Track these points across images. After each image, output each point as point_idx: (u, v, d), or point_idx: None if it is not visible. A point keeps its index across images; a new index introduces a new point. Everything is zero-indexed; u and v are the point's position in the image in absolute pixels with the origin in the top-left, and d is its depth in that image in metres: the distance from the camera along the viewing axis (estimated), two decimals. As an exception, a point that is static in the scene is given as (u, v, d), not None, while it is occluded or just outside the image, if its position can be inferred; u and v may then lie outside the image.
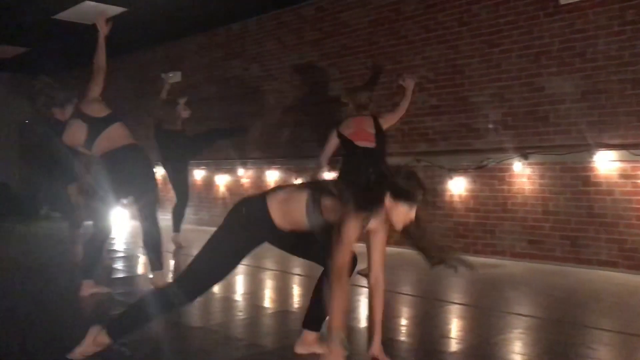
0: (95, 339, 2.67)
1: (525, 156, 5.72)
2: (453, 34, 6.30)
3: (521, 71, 5.82)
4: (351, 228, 2.47)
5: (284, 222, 2.64)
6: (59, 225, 9.11)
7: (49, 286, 4.78)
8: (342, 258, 2.46)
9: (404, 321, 3.81)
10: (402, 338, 3.42)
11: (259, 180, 8.39)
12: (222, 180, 8.94)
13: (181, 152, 7.07)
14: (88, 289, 4.33)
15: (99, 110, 4.34)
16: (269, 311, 4.05)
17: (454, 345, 3.25)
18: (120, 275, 5.36)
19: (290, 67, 7.96)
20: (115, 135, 4.35)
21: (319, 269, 2.87)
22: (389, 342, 3.30)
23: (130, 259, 6.32)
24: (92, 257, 4.43)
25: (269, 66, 8.25)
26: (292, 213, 2.62)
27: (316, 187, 2.66)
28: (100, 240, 4.45)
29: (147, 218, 4.53)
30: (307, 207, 2.59)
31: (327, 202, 2.57)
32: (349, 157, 5.12)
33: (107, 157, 4.32)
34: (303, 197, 2.61)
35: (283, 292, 4.76)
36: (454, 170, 6.26)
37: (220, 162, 8.82)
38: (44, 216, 10.65)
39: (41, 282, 4.95)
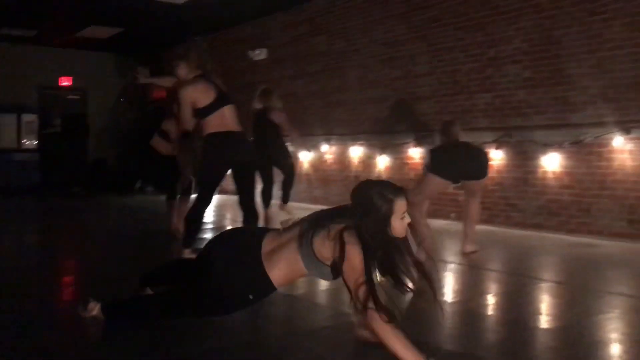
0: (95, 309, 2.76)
1: (627, 130, 5.37)
2: (550, 2, 5.97)
3: (625, 40, 5.45)
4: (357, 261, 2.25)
5: (286, 281, 2.59)
6: (152, 199, 9.54)
7: (144, 253, 5.00)
8: (363, 293, 2.21)
9: (495, 298, 3.69)
10: (494, 312, 3.32)
11: (342, 156, 8.38)
12: (306, 157, 8.99)
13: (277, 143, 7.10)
14: (188, 256, 4.48)
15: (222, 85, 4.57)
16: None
17: (548, 322, 3.11)
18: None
19: (376, 42, 7.84)
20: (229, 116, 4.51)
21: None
22: (481, 316, 3.22)
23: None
24: (192, 227, 4.59)
25: (355, 41, 8.17)
26: (293, 273, 2.52)
27: (306, 231, 2.44)
28: (200, 212, 4.60)
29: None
30: (303, 259, 2.43)
31: (317, 241, 2.39)
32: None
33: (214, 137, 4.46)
34: (293, 248, 2.45)
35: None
36: (548, 146, 5.98)
37: (304, 138, 8.86)
38: (138, 190, 11.16)
39: (139, 249, 5.19)
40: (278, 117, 6.99)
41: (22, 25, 10.41)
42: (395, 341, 2.16)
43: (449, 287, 3.92)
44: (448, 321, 2.94)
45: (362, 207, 2.35)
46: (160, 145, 6.04)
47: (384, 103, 7.72)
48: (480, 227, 6.17)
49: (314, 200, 8.75)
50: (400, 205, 2.34)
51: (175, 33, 10.51)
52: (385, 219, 2.33)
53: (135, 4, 8.77)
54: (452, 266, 4.49)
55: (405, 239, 2.41)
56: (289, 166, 7.28)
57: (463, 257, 4.74)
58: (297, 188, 8.91)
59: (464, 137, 6.66)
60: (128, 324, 2.75)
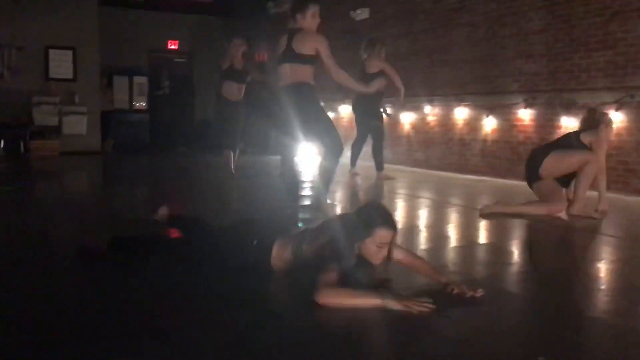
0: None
1: None
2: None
3: None
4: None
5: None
6: (253, 159, 9.77)
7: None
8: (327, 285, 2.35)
9: (611, 264, 3.45)
10: (611, 278, 3.10)
11: (446, 118, 8.13)
12: (407, 118, 8.81)
13: (368, 99, 7.10)
14: None
15: None
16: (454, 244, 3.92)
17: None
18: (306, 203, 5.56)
19: (485, -3, 7.46)
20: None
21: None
22: (595, 291, 3.03)
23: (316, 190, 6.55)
24: (291, 186, 4.69)
25: (462, -3, 7.82)
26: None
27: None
28: (293, 172, 4.70)
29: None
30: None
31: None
32: None
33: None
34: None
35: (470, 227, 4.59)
36: (677, 107, 5.49)
37: (405, 99, 8.67)
38: (241, 150, 11.43)
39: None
40: (376, 65, 7.01)
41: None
42: (348, 297, 2.34)
43: (567, 249, 3.72)
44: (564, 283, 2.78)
45: (354, 218, 2.60)
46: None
47: (492, 62, 7.37)
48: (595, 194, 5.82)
49: (415, 164, 8.60)
50: (380, 234, 2.47)
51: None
52: (360, 237, 2.48)
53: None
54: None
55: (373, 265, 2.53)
56: (374, 129, 7.22)
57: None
58: (397, 150, 8.82)
59: (579, 97, 6.30)
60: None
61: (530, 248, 3.90)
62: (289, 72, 4.59)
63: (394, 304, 2.28)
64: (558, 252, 3.76)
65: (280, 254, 2.71)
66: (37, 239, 3.70)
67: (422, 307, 2.27)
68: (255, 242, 2.77)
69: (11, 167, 8.07)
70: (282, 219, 4.06)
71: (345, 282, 2.41)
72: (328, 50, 4.53)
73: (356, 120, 7.50)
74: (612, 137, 5.22)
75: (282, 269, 2.72)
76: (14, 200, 5.36)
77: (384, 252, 2.51)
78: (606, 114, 4.93)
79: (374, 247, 2.48)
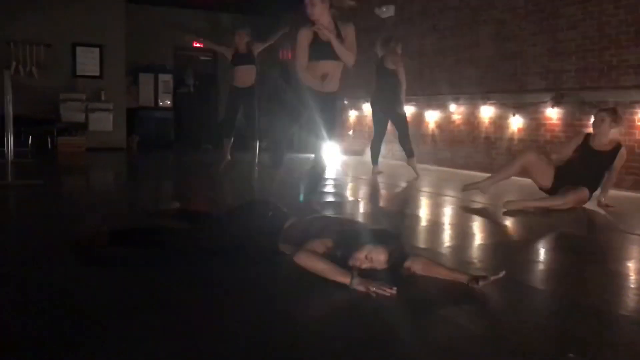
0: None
1: None
2: None
3: None
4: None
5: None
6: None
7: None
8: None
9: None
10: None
11: (472, 116, 8.04)
12: (432, 117, 8.73)
13: (390, 91, 7.07)
14: None
15: None
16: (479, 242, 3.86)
17: None
18: (330, 199, 5.53)
19: (513, -6, 7.35)
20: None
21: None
22: (625, 289, 2.95)
23: (339, 187, 6.52)
24: (311, 185, 4.65)
25: (490, -6, 7.72)
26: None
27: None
28: (318, 171, 4.64)
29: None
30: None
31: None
32: None
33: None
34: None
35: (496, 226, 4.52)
36: None
37: (430, 97, 8.60)
38: (264, 148, 11.45)
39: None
40: (393, 61, 7.04)
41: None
42: (320, 265, 2.53)
43: (595, 248, 3.64)
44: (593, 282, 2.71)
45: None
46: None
47: (519, 59, 7.26)
48: (624, 194, 5.70)
49: (439, 162, 8.52)
50: (359, 261, 2.58)
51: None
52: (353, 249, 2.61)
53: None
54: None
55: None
56: (400, 117, 7.18)
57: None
58: (421, 149, 8.73)
59: (609, 95, 6.19)
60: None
61: (557, 245, 3.83)
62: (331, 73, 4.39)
63: (357, 284, 2.41)
64: (585, 250, 3.67)
65: (288, 235, 2.91)
66: (56, 232, 3.73)
67: (381, 290, 2.37)
68: (270, 213, 3.01)
69: (38, 162, 8.17)
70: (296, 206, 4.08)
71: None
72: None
73: (375, 116, 7.43)
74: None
75: (287, 250, 2.85)
76: (40, 194, 5.42)
77: (367, 263, 2.58)
78: (609, 112, 4.99)
79: (362, 257, 2.58)
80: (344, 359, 1.83)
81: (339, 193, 5.88)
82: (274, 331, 2.03)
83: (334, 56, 4.27)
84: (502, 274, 2.54)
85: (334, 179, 7.11)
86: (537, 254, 3.52)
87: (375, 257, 2.57)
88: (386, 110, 7.24)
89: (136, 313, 2.17)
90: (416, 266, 2.69)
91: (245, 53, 7.34)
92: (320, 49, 4.25)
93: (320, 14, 4.20)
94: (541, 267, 3.19)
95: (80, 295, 2.40)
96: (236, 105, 7.40)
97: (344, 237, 2.68)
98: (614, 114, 4.96)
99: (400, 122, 7.25)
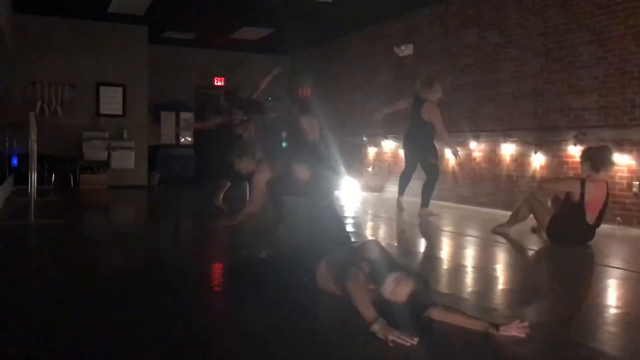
0: None
1: None
2: None
3: None
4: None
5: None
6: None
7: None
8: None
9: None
10: None
11: (492, 153, 7.98)
12: (452, 154, 8.68)
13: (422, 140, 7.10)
14: None
15: None
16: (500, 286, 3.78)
17: None
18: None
19: (532, 33, 7.36)
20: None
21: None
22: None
23: (358, 225, 6.48)
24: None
25: (509, 32, 7.73)
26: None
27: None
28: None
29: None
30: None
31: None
32: None
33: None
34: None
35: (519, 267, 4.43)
36: None
37: (451, 134, 8.56)
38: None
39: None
40: (428, 112, 6.97)
41: (182, 28, 11.16)
42: (360, 299, 2.57)
43: (609, 291, 3.53)
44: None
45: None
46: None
47: (540, 97, 7.23)
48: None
49: (461, 200, 8.44)
50: (386, 284, 2.69)
51: (322, 31, 10.68)
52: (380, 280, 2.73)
53: (288, 3, 8.98)
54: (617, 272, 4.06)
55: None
56: (430, 167, 7.15)
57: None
58: (442, 186, 8.65)
59: (632, 133, 6.12)
60: None
61: (592, 292, 3.72)
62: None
63: (377, 330, 2.41)
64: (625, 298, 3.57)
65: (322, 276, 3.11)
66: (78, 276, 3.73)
67: (400, 340, 2.35)
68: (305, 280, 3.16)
69: (61, 200, 8.26)
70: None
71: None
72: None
73: (407, 156, 7.40)
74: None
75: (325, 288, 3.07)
76: (63, 234, 5.45)
77: (392, 295, 2.64)
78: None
79: (389, 290, 2.66)
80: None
81: (358, 233, 5.83)
82: None
83: None
84: (525, 324, 2.49)
85: (354, 217, 7.08)
86: (563, 301, 3.43)
87: (402, 285, 2.62)
88: (414, 156, 7.22)
89: None
90: (436, 314, 2.69)
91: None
92: None
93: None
94: (569, 315, 3.10)
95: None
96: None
97: (379, 264, 2.84)
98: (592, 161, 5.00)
99: (431, 169, 7.20)
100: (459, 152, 7.60)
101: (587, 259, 4.65)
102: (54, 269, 3.89)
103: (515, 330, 2.47)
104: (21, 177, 8.96)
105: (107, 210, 8.41)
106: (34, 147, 6.45)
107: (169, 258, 4.49)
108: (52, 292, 3.24)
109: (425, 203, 7.13)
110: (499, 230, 5.53)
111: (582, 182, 4.95)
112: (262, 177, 5.39)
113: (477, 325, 2.57)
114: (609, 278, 4.02)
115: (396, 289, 2.62)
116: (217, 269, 4.07)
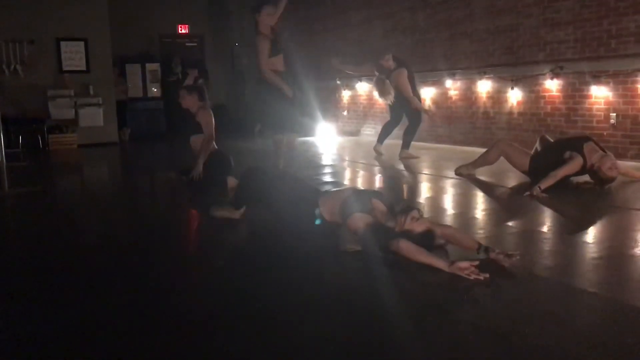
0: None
1: None
2: None
3: None
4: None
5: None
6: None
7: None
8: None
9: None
10: None
11: (468, 92, 7.94)
12: (428, 93, 8.62)
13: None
14: None
15: None
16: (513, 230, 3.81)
17: None
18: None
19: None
20: None
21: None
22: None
23: (336, 174, 6.44)
24: None
25: (481, -34, 7.56)
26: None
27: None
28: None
29: None
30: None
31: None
32: None
33: None
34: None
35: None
36: None
37: (426, 73, 8.47)
38: (258, 134, 11.33)
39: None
40: (395, 81, 6.96)
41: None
42: (419, 254, 2.84)
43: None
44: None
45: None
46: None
47: (516, 32, 7.15)
48: (629, 163, 5.68)
49: (438, 139, 8.45)
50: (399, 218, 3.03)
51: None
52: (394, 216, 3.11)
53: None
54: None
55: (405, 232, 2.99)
56: (414, 113, 7.17)
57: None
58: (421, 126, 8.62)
59: (609, 65, 6.11)
60: None
61: (579, 231, 3.76)
62: None
63: (455, 270, 2.66)
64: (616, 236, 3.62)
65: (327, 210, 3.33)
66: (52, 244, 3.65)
67: (478, 276, 2.60)
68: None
69: (33, 164, 8.03)
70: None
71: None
72: None
73: (392, 105, 7.30)
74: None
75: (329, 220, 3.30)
76: (41, 202, 5.31)
77: (408, 227, 2.98)
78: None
79: (407, 223, 2.99)
80: None
81: (336, 181, 5.75)
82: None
83: None
84: (514, 258, 2.78)
85: (331, 165, 7.02)
86: (546, 242, 3.47)
87: (419, 222, 2.99)
88: (400, 104, 7.16)
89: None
90: (439, 230, 3.06)
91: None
92: None
93: None
94: (560, 257, 3.14)
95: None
96: None
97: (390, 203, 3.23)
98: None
99: (414, 116, 7.20)
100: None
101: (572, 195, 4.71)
102: (35, 241, 3.78)
103: (502, 259, 2.79)
104: (-13, 142, 8.67)
105: (81, 171, 8.21)
106: (-3, 112, 6.17)
107: (151, 222, 4.41)
108: (35, 267, 3.14)
109: (406, 145, 7.15)
110: (463, 171, 5.55)
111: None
112: None
113: (473, 244, 2.95)
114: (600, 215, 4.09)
115: (414, 224, 2.96)
116: (197, 232, 4.02)
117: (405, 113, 7.29)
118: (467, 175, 5.47)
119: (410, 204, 3.26)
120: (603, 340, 2.00)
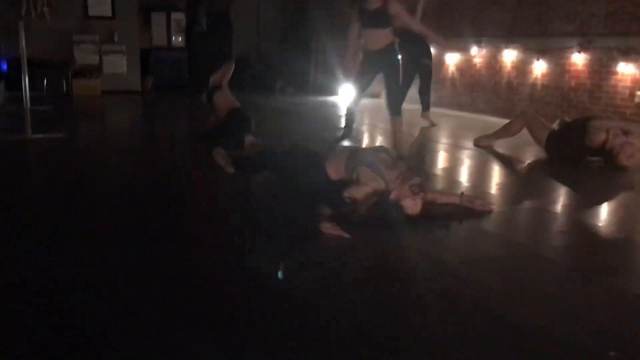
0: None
1: None
2: None
3: None
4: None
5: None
6: (291, 99, 9.67)
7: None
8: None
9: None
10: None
11: (493, 60, 7.83)
12: (452, 60, 8.52)
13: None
14: None
15: None
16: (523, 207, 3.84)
17: None
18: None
19: None
20: None
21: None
22: None
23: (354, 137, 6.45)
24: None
25: None
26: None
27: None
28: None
29: None
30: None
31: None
32: None
33: None
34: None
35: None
36: None
37: (451, 38, 8.34)
38: (279, 91, 11.32)
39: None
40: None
41: None
42: (437, 196, 3.45)
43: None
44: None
45: None
46: None
47: (546, 3, 6.99)
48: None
49: (460, 107, 8.39)
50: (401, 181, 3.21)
51: None
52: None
53: None
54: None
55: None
56: (424, 67, 6.92)
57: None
58: (441, 93, 8.57)
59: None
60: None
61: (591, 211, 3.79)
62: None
63: (466, 201, 3.28)
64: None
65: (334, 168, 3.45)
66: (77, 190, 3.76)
67: (487, 205, 3.34)
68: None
69: (56, 109, 8.14)
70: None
71: None
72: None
73: (402, 63, 7.17)
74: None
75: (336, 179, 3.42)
76: (64, 150, 5.41)
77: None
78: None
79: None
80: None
81: (354, 143, 5.77)
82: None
83: None
84: (489, 207, 3.37)
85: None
86: (557, 220, 3.50)
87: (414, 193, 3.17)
88: (409, 60, 6.94)
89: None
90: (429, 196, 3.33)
91: None
92: None
93: None
94: (565, 236, 3.18)
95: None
96: None
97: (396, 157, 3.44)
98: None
99: (425, 71, 6.99)
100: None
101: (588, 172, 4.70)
102: (57, 189, 3.90)
103: (478, 205, 3.33)
104: (12, 83, 8.79)
105: (105, 120, 8.31)
106: (24, 59, 6.24)
107: (176, 175, 4.50)
108: (55, 215, 3.26)
109: (426, 106, 7.06)
110: (482, 142, 5.53)
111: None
112: None
113: (454, 200, 3.38)
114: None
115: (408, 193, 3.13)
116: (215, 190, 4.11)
117: (416, 69, 6.90)
118: (485, 147, 5.46)
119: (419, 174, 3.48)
120: (606, 329, 2.06)
